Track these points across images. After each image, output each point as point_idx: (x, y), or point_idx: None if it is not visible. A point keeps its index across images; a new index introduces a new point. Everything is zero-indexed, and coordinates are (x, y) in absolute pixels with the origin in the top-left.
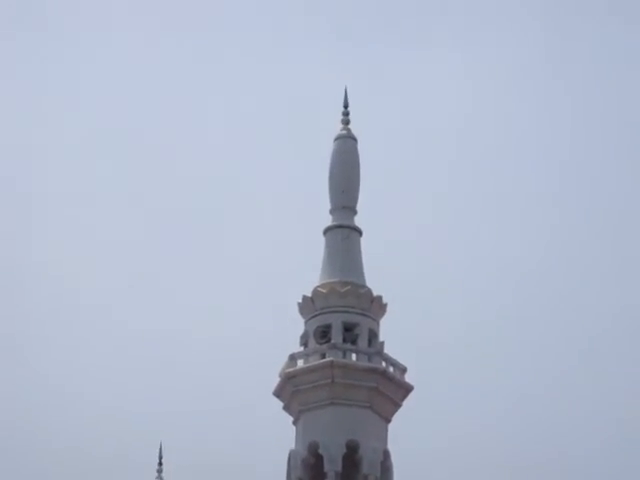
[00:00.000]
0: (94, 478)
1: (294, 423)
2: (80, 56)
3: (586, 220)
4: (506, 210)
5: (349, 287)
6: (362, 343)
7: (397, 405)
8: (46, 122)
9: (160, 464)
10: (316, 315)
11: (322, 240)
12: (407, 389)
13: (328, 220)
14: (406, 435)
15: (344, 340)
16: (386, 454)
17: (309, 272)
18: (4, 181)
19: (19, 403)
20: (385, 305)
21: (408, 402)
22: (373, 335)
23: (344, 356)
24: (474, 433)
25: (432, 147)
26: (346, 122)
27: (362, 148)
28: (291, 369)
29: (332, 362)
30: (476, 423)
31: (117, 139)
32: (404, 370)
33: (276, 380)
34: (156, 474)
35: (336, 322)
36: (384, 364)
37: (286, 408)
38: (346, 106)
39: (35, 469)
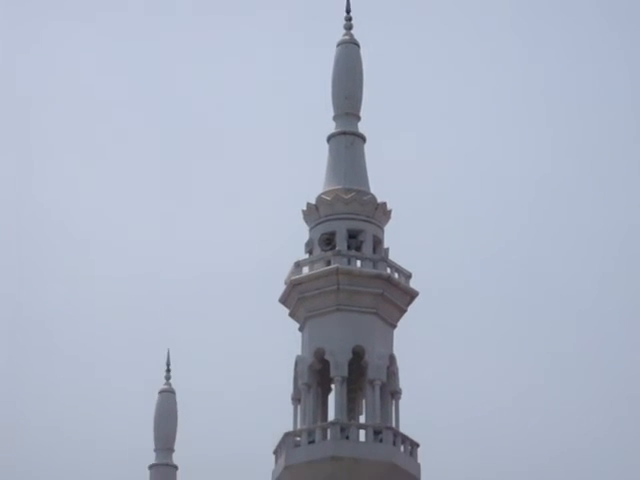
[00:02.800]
0: (102, 387)
1: (300, 330)
2: None
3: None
4: (510, 118)
5: (353, 194)
6: (367, 250)
7: (402, 311)
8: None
9: (168, 371)
10: (320, 222)
11: (326, 148)
12: (412, 295)
13: (332, 127)
14: (411, 340)
15: (349, 247)
16: (392, 359)
17: (313, 180)
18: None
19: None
20: (389, 212)
21: (413, 308)
22: (378, 242)
23: (349, 263)
24: (478, 336)
25: (436, 52)
26: (349, 27)
27: (365, 54)
28: (296, 276)
29: (337, 269)
30: (480, 326)
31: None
32: (409, 276)
33: (282, 287)
34: (164, 381)
35: (340, 229)
36: (389, 270)
37: (292, 315)
38: (348, 11)
39: (41, 364)
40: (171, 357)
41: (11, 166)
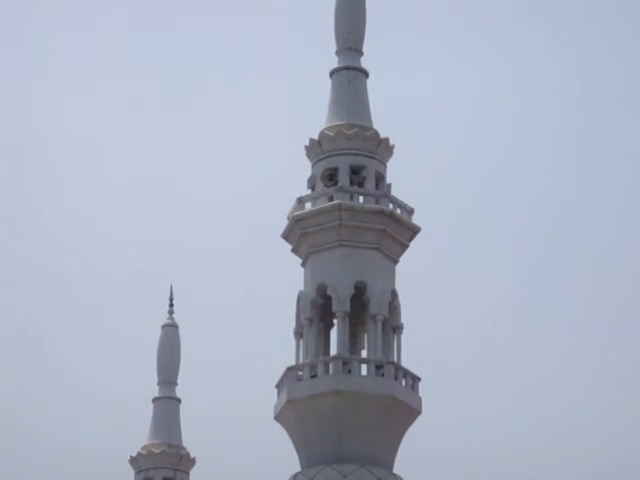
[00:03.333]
0: (105, 322)
1: (303, 265)
2: None
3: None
4: (515, 56)
5: (356, 129)
6: (369, 185)
7: (404, 246)
8: None
9: (171, 305)
10: (323, 158)
11: (328, 83)
12: (414, 230)
13: (334, 62)
14: (413, 276)
15: (351, 183)
16: (394, 294)
17: (316, 115)
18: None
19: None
20: (392, 147)
21: (415, 243)
22: (380, 177)
23: (351, 199)
24: (480, 272)
25: None
26: None
27: None
28: (299, 212)
29: (339, 204)
30: (482, 261)
31: None
32: (411, 212)
33: (285, 223)
34: (167, 315)
35: (343, 165)
36: (391, 206)
37: (294, 250)
38: None
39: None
40: (174, 292)
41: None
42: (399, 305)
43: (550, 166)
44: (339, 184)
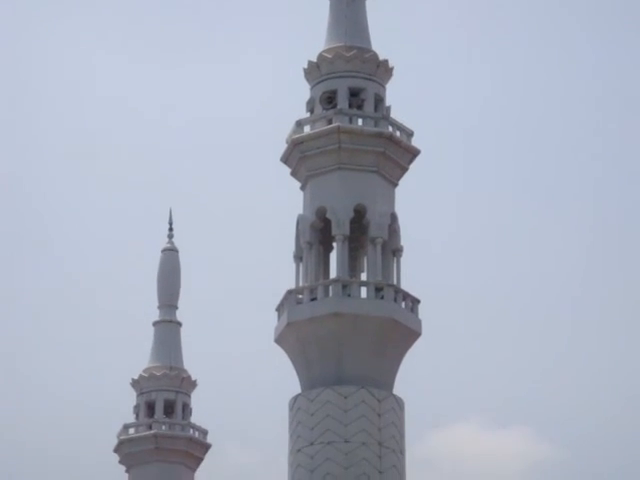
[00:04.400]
0: (106, 245)
1: (302, 189)
2: None
3: None
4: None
5: (355, 51)
6: (368, 108)
7: (404, 169)
8: None
9: (171, 229)
10: (322, 81)
11: (327, 5)
12: (414, 153)
13: None
14: (413, 199)
15: (350, 105)
16: (393, 217)
17: (315, 38)
18: None
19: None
20: (391, 69)
21: (415, 166)
22: (379, 100)
23: (350, 121)
24: (479, 194)
25: None
26: None
27: None
28: (298, 135)
29: (339, 127)
30: (480, 183)
31: None
32: (411, 134)
33: (283, 147)
34: (167, 239)
35: (342, 87)
36: (390, 128)
37: (294, 174)
38: None
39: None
40: (173, 216)
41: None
42: (399, 228)
43: (550, 92)
44: (338, 107)
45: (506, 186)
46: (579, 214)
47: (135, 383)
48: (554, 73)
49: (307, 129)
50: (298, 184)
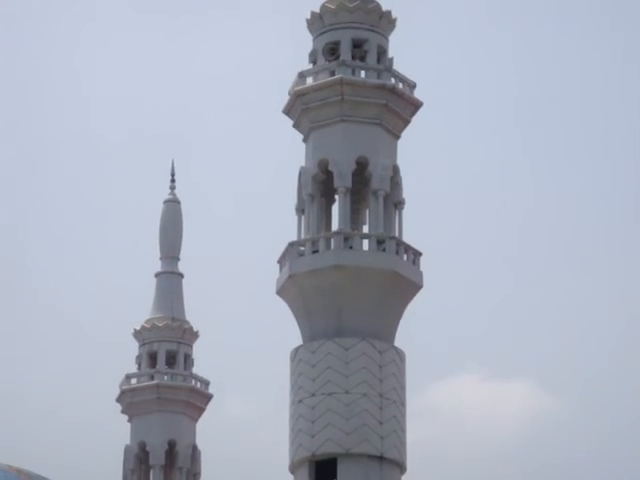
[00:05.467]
0: (108, 198)
1: (304, 141)
2: None
3: None
4: None
5: (357, 2)
6: (371, 60)
7: (406, 121)
8: None
9: (173, 181)
10: (324, 32)
11: None
12: (416, 105)
13: None
14: (415, 151)
15: (353, 57)
16: (395, 170)
17: None
18: None
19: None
20: (394, 20)
21: (417, 118)
22: (382, 51)
23: (353, 73)
24: (481, 147)
25: None
26: None
27: None
28: (300, 87)
29: (341, 79)
30: (484, 133)
31: None
32: (413, 86)
33: (286, 98)
34: (169, 191)
35: (345, 38)
36: (393, 80)
37: (296, 126)
38: None
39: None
40: (175, 167)
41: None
42: (401, 180)
43: (553, 38)
44: (341, 58)
45: (508, 137)
46: (587, 153)
47: (137, 334)
48: (558, 17)
49: (310, 81)
50: (300, 136)
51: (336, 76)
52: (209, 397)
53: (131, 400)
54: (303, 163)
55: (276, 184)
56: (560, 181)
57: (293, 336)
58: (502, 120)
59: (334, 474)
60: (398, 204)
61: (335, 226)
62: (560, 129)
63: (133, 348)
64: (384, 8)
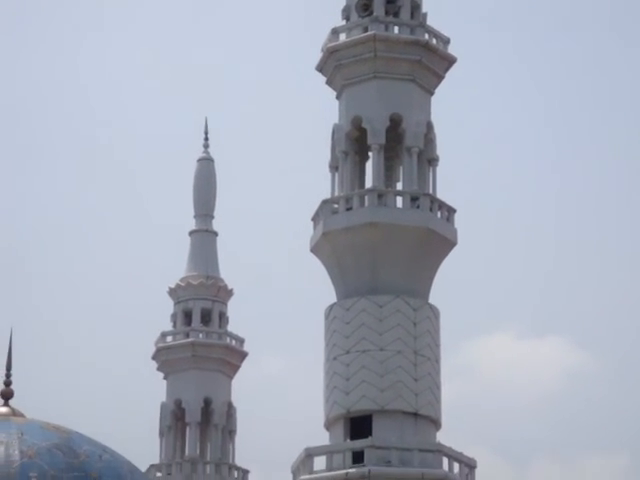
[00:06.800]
0: (142, 158)
1: (337, 98)
2: None
3: None
4: None
5: None
6: (404, 15)
7: (440, 77)
8: None
9: (206, 139)
10: None
11: None
12: (450, 61)
13: None
14: (450, 107)
15: (386, 13)
16: (429, 126)
17: None
18: None
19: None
20: None
21: (451, 74)
22: (416, 7)
23: (386, 29)
24: (516, 101)
25: None
26: None
27: None
28: (333, 43)
29: (374, 35)
30: (519, 94)
31: None
32: (447, 42)
33: (319, 55)
34: (202, 149)
35: None
36: (427, 36)
37: (329, 83)
38: None
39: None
40: (209, 125)
41: None
42: (434, 137)
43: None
44: (374, 14)
45: (544, 91)
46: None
47: (172, 292)
48: None
49: (343, 37)
50: (334, 93)
51: (369, 32)
52: (244, 355)
53: (166, 358)
54: (337, 120)
55: (310, 142)
56: (596, 128)
57: (327, 294)
58: (536, 74)
59: (369, 431)
60: (432, 161)
61: (369, 183)
62: (598, 76)
63: (168, 306)
64: None
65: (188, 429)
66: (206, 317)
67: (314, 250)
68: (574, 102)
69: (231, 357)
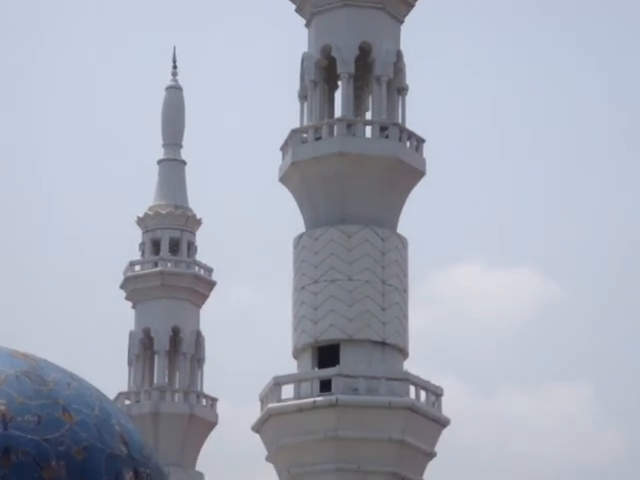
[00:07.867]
0: (110, 84)
1: (307, 26)
2: None
3: None
4: None
5: None
6: None
7: (410, 5)
8: None
9: (175, 67)
10: None
11: None
12: None
13: None
14: (419, 36)
15: None
16: (399, 55)
17: None
18: None
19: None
20: None
21: (421, 2)
22: None
23: None
24: (482, 32)
25: None
26: None
27: None
28: None
29: None
30: (485, 27)
31: None
32: None
33: None
34: (171, 77)
35: None
36: None
37: (299, 10)
38: None
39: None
40: (177, 54)
41: None
42: (404, 66)
43: None
44: None
45: (516, 22)
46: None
47: (140, 221)
48: None
49: None
50: (303, 21)
51: None
52: (212, 284)
53: (135, 287)
54: (306, 49)
55: (278, 70)
56: (569, 51)
57: (296, 223)
58: (509, 5)
59: (337, 360)
60: (401, 90)
61: (338, 113)
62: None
63: (136, 235)
64: None
65: (157, 357)
66: (174, 246)
67: (283, 179)
68: (553, 34)
69: (199, 286)
